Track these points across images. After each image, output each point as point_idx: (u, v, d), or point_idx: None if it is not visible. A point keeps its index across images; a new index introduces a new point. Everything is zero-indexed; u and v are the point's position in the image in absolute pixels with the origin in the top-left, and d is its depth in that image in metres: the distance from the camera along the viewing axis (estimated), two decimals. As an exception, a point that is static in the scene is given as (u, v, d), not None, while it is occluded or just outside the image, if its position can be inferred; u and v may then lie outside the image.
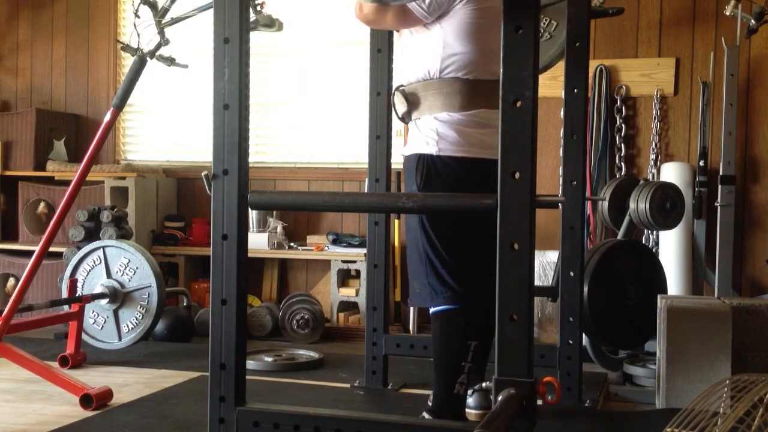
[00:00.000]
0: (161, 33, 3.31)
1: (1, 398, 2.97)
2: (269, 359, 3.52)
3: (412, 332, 4.23)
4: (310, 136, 4.84)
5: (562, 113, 3.04)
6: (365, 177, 3.23)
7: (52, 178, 4.89)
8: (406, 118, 2.52)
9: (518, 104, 1.70)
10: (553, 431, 2.62)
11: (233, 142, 1.90)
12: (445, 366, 2.44)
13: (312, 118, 4.82)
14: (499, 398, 1.70)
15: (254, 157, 4.46)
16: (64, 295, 3.62)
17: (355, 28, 4.41)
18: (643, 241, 4.13)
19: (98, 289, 3.70)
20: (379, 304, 3.11)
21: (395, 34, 2.87)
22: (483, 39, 2.40)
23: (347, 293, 4.50)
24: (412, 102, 2.47)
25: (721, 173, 3.86)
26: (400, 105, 2.51)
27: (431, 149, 2.41)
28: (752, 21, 3.78)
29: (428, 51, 2.44)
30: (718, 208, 3.85)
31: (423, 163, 2.42)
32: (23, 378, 3.16)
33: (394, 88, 2.58)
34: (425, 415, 2.46)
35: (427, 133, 2.43)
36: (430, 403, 2.52)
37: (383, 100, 3.03)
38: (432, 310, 2.46)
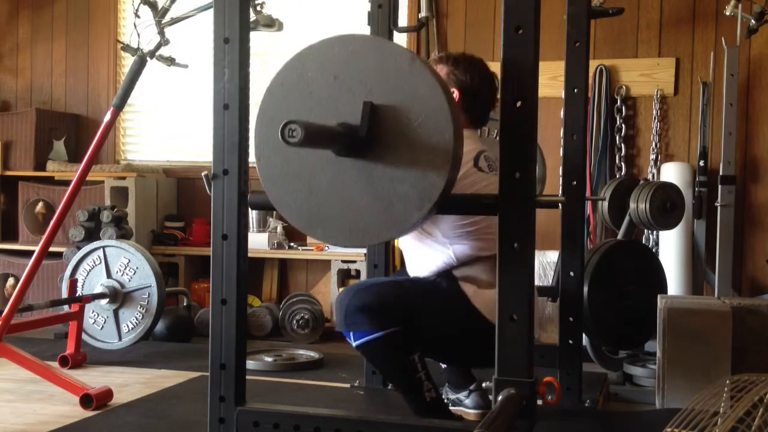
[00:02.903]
0: (161, 33, 3.32)
1: (1, 398, 2.97)
2: (269, 359, 3.52)
3: (412, 332, 4.22)
4: (310, 136, 4.82)
5: (562, 113, 3.03)
6: (365, 177, 3.23)
7: (52, 178, 4.89)
8: None
9: (518, 104, 1.70)
10: (553, 431, 2.61)
11: (233, 142, 1.90)
12: (402, 387, 2.43)
13: (312, 118, 4.81)
14: (499, 398, 1.70)
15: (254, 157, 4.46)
16: (64, 295, 3.62)
17: (355, 28, 4.41)
18: (643, 241, 4.13)
19: (98, 289, 3.70)
20: (379, 304, 3.10)
21: None
22: (480, 223, 2.42)
23: (347, 293, 4.50)
24: None
25: (721, 173, 3.86)
26: None
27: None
28: (752, 21, 3.78)
29: (436, 253, 2.45)
30: (718, 208, 3.85)
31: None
32: (23, 378, 3.16)
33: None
34: None
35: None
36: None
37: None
38: (354, 343, 2.36)
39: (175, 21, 3.36)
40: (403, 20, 4.41)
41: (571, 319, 2.85)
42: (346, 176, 1.77)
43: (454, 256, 2.43)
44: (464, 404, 2.72)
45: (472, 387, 2.72)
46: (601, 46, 4.31)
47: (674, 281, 3.95)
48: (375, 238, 1.79)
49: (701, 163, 4.06)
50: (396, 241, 4.34)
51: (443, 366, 2.80)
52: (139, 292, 3.70)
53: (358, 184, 1.76)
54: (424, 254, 2.49)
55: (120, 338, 3.72)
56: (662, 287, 3.37)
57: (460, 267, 2.43)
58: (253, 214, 4.57)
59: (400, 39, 4.40)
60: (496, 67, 1.81)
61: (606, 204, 3.56)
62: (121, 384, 3.15)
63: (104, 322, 3.73)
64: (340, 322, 2.37)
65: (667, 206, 3.41)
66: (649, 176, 4.21)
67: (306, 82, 1.79)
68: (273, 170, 1.83)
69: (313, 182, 1.79)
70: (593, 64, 4.06)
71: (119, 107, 3.24)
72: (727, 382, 1.64)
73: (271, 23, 3.28)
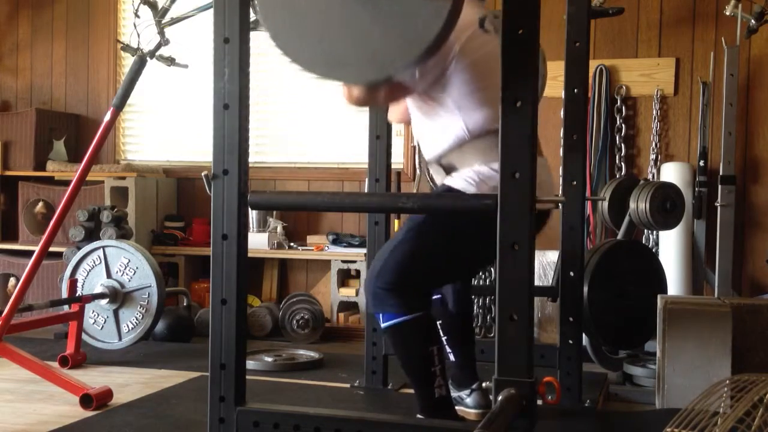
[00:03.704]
0: (161, 33, 3.32)
1: (1, 398, 2.97)
2: (269, 359, 3.52)
3: (412, 332, 4.22)
4: (310, 136, 4.84)
5: (562, 113, 3.04)
6: (365, 177, 3.23)
7: (52, 178, 4.89)
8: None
9: (518, 104, 1.70)
10: (553, 431, 2.62)
11: (233, 142, 1.90)
12: (415, 377, 2.40)
13: (312, 118, 4.82)
14: (499, 398, 1.70)
15: (254, 157, 4.46)
16: (64, 295, 3.62)
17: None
18: (643, 241, 4.13)
19: (98, 289, 3.70)
20: (379, 304, 3.10)
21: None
22: (493, 87, 2.33)
23: (347, 293, 4.50)
24: (450, 169, 2.35)
25: (721, 173, 3.86)
26: (438, 177, 2.42)
27: (470, 189, 2.27)
28: (752, 21, 3.78)
29: (448, 124, 2.34)
30: (718, 208, 3.85)
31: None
32: (23, 378, 3.16)
33: (426, 161, 2.47)
34: (419, 416, 2.45)
35: (468, 176, 2.30)
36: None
37: (383, 100, 3.01)
38: (383, 325, 2.35)
39: (175, 21, 3.36)
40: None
41: (571, 319, 2.85)
42: (355, 12, 1.72)
43: (467, 128, 2.30)
44: (465, 403, 2.72)
45: (474, 386, 2.72)
46: (601, 46, 4.31)
47: (674, 281, 3.95)
48: (402, 62, 1.71)
49: (701, 163, 4.07)
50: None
51: (451, 359, 2.79)
52: (139, 292, 3.70)
53: (369, 15, 1.71)
54: (434, 130, 2.37)
55: (120, 338, 3.72)
56: (662, 287, 3.37)
57: (473, 141, 2.29)
58: (253, 214, 4.57)
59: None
60: (496, 67, 1.81)
61: (606, 204, 3.56)
62: (121, 384, 3.15)
63: (104, 322, 3.73)
64: (368, 304, 2.40)
65: (667, 206, 3.41)
66: (649, 176, 4.21)
67: None
68: (282, 28, 1.79)
69: (324, 28, 1.75)
70: (593, 64, 4.06)
71: (119, 107, 3.24)
72: (727, 382, 1.64)
73: (271, 23, 3.27)
